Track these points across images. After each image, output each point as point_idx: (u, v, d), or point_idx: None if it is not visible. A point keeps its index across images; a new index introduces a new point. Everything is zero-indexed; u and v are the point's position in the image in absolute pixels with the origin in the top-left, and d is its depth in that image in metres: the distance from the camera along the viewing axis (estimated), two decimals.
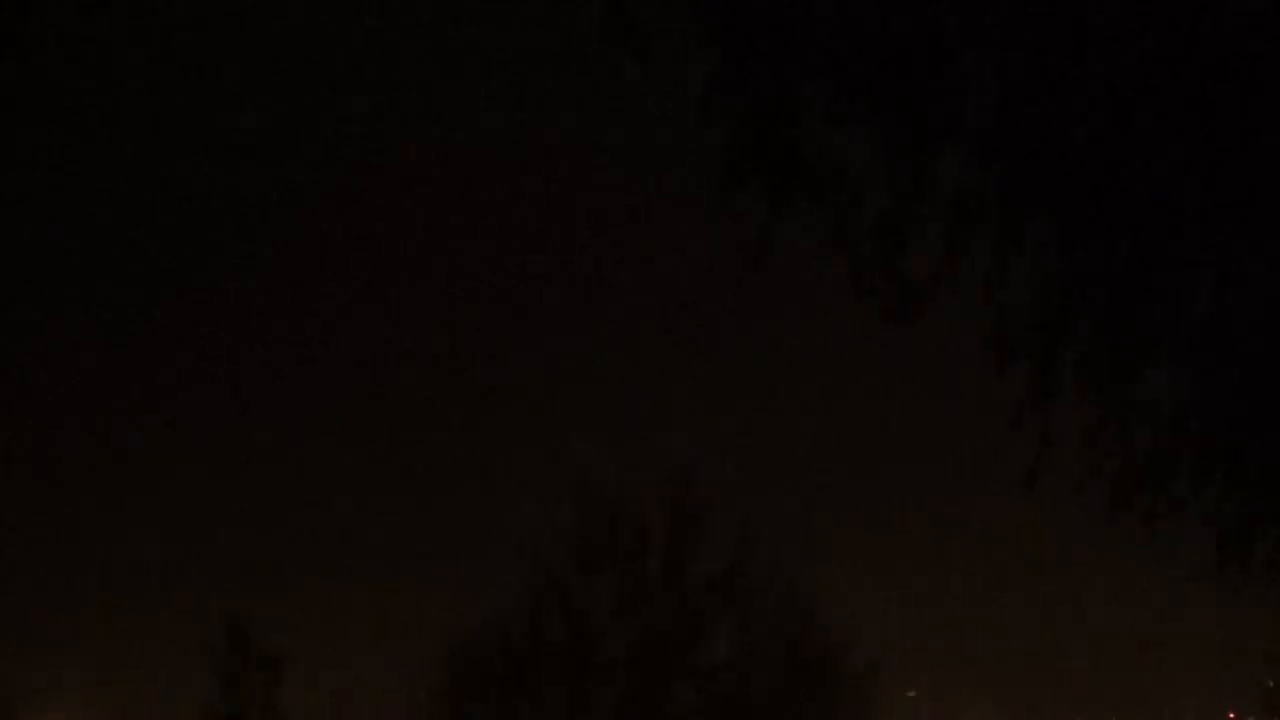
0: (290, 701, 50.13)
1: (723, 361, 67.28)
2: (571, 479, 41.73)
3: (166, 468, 67.76)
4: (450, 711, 42.65)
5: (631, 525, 41.09)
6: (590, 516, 41.17)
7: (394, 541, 61.14)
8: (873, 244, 10.20)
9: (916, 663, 46.65)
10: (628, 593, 41.02)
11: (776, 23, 9.63)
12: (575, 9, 10.68)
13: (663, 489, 41.16)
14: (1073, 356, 10.35)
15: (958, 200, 10.13)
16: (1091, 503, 10.76)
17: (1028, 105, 9.55)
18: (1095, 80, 9.34)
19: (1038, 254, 10.14)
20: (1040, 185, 9.86)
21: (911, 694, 45.57)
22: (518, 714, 42.19)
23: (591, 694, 41.54)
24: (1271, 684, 49.67)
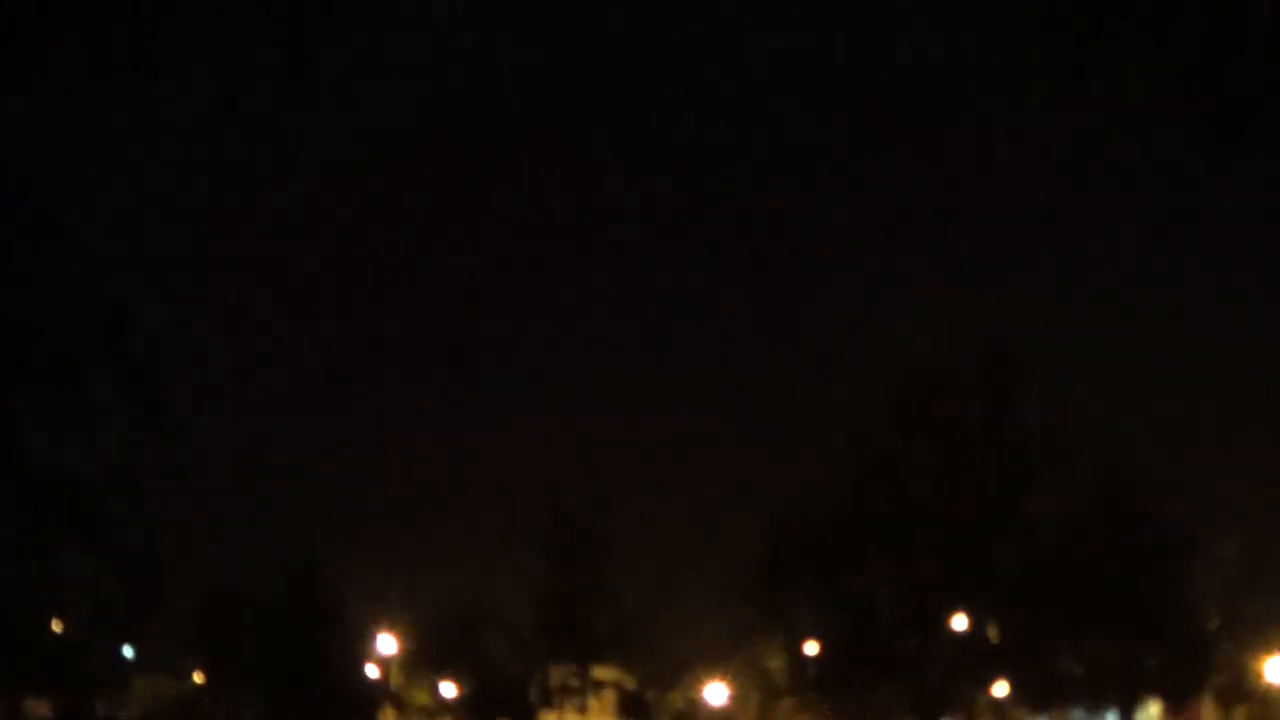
0: (615, 578, 51.23)
1: (1038, 224, 66.34)
2: (888, 346, 41.85)
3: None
4: (771, 583, 43.09)
5: (950, 387, 41.06)
6: (908, 380, 41.21)
7: (711, 418, 61.73)
8: (1194, 63, 10.18)
9: (1239, 517, 45.85)
10: (947, 457, 41.02)
11: None
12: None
13: (980, 350, 41.02)
14: None
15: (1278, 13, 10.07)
16: None
17: None
18: None
19: None
20: None
21: (1234, 547, 44.83)
22: (840, 582, 42.47)
23: (914, 555, 41.65)
24: None
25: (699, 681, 55.23)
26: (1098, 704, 46.12)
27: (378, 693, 54.95)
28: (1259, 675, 47.08)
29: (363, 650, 53.67)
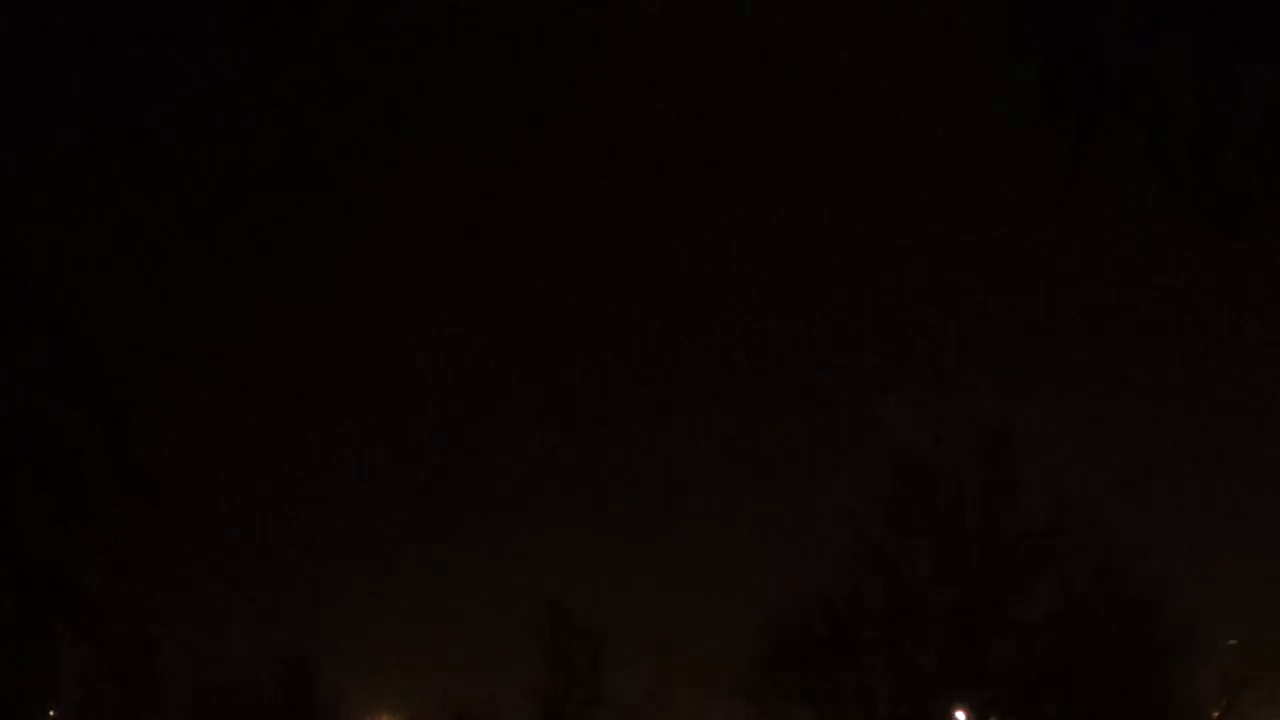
0: (611, 677, 50.92)
1: (1031, 315, 66.52)
2: (884, 442, 41.78)
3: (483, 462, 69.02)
4: (770, 680, 42.87)
5: (946, 485, 41.03)
6: (904, 478, 41.18)
7: (709, 515, 61.61)
8: (1188, 156, 10.21)
9: (1238, 612, 45.70)
10: (945, 553, 40.95)
11: None
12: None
13: (975, 447, 41.02)
14: None
15: (1273, 107, 10.11)
16: None
17: None
18: None
19: None
20: None
21: (1233, 642, 44.70)
22: (839, 679, 42.30)
23: (913, 656, 41.53)
24: None
25: None
26: None
27: None
28: None
29: None
